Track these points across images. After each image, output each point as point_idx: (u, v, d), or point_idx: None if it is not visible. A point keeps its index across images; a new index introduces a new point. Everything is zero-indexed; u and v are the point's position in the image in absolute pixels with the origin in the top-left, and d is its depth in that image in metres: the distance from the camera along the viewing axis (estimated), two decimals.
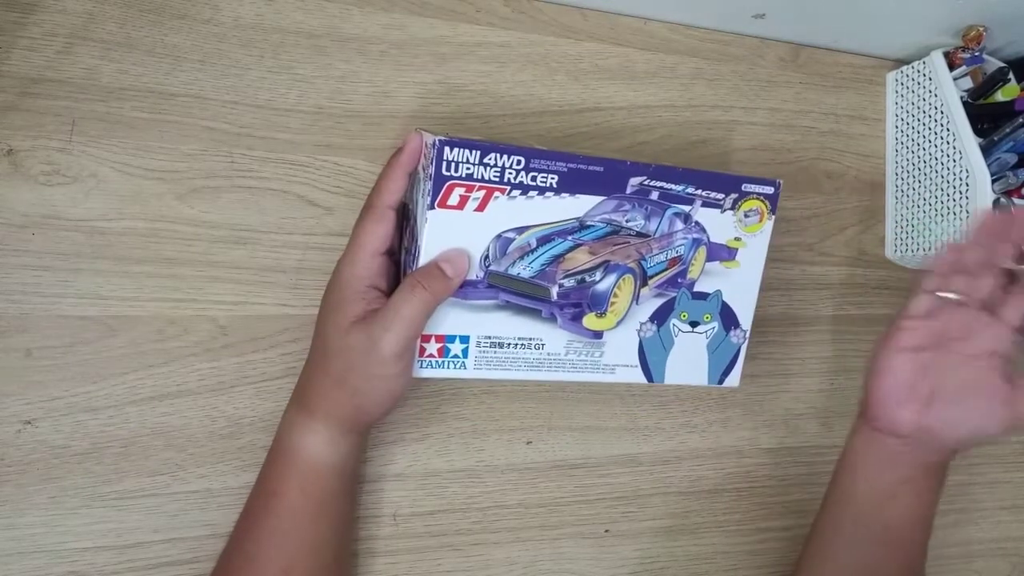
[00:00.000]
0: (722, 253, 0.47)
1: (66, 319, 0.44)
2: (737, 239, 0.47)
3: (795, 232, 0.61)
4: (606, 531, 0.54)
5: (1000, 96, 0.58)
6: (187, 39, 0.46)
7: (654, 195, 0.45)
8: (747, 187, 0.46)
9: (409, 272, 0.41)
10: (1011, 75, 0.57)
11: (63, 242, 0.44)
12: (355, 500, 0.47)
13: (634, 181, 0.44)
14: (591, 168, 0.42)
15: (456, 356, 0.43)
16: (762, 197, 0.47)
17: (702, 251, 0.47)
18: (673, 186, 0.45)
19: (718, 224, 0.46)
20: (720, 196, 0.46)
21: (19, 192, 0.43)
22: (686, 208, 0.45)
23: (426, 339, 0.42)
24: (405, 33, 0.51)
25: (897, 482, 0.48)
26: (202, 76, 0.47)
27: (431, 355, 0.43)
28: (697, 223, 0.46)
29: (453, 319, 0.43)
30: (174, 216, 0.46)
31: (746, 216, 0.47)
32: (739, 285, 0.48)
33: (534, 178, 0.41)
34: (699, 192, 0.45)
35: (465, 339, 0.43)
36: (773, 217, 0.47)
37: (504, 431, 0.52)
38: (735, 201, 0.46)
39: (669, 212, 0.45)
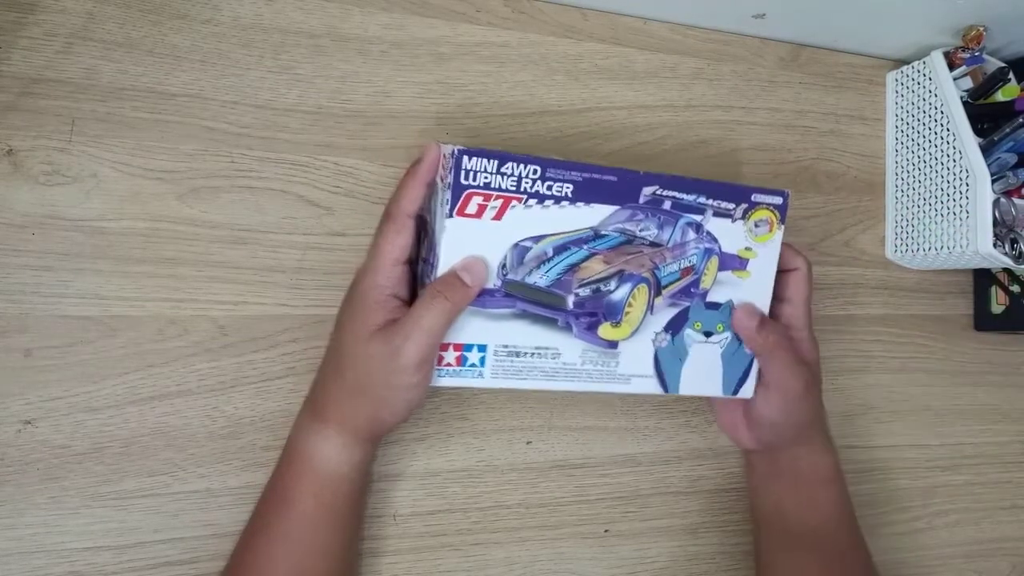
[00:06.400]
0: (734, 263, 0.47)
1: (66, 319, 0.44)
2: (748, 249, 0.47)
3: (795, 232, 0.61)
4: (606, 531, 0.54)
5: (1000, 96, 0.58)
6: (187, 39, 0.46)
7: (667, 205, 0.45)
8: (756, 197, 0.46)
9: (427, 282, 0.41)
10: (1011, 75, 0.57)
11: (63, 242, 0.44)
12: (365, 506, 0.48)
13: (647, 191, 0.44)
14: (605, 178, 0.43)
15: (474, 365, 0.43)
16: (771, 207, 0.47)
17: (714, 261, 0.46)
18: (685, 196, 0.45)
19: (729, 234, 0.46)
20: (731, 206, 0.46)
21: (19, 192, 0.43)
22: (698, 218, 0.46)
23: (444, 347, 0.42)
24: (405, 33, 0.51)
25: (783, 496, 0.51)
26: (202, 76, 0.47)
27: (449, 364, 0.42)
28: (709, 233, 0.46)
29: (471, 328, 0.42)
30: (174, 216, 0.46)
31: (756, 226, 0.47)
32: (750, 295, 0.48)
33: (550, 187, 0.42)
34: (710, 202, 0.45)
35: (483, 348, 0.43)
36: (783, 227, 0.47)
37: (504, 431, 0.52)
38: (745, 211, 0.46)
39: (681, 222, 0.45)
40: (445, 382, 0.43)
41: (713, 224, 0.46)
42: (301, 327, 0.48)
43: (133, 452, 0.44)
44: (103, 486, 0.44)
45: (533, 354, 0.44)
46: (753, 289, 0.48)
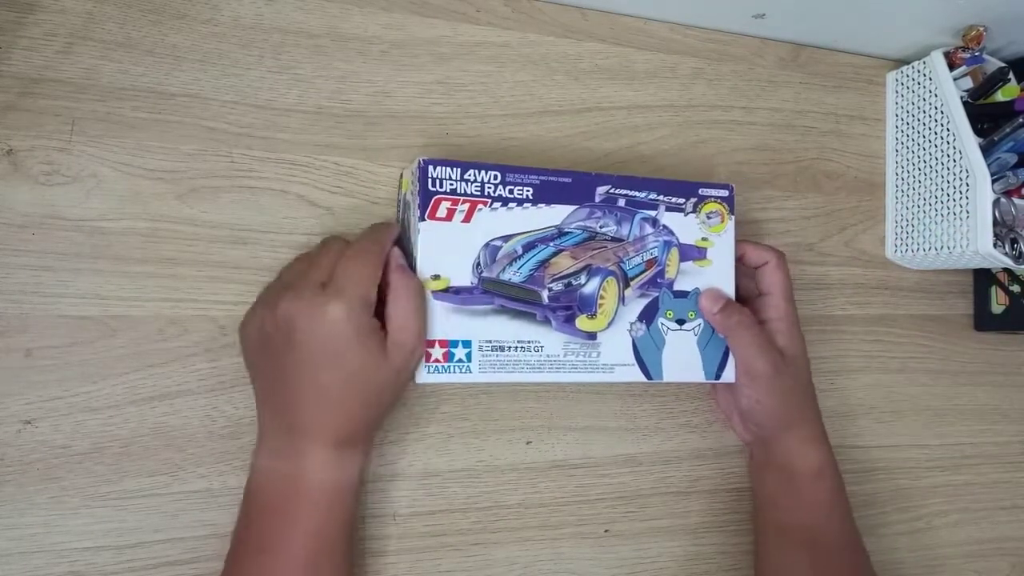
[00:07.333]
0: (693, 253, 0.50)
1: (66, 319, 0.44)
2: (705, 239, 0.50)
3: (795, 232, 0.61)
4: (606, 531, 0.54)
5: (1000, 96, 0.58)
6: (187, 39, 0.46)
7: (621, 202, 0.48)
8: (704, 191, 0.50)
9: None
10: (1011, 75, 0.57)
11: (63, 242, 0.44)
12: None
13: (601, 190, 0.48)
14: (561, 180, 0.47)
15: (461, 360, 0.44)
16: (719, 200, 0.50)
17: (675, 252, 0.49)
18: (637, 193, 0.48)
19: (684, 226, 0.49)
20: (681, 200, 0.49)
21: (19, 192, 0.43)
22: (652, 213, 0.49)
23: (430, 344, 0.44)
24: (405, 33, 0.51)
25: (776, 487, 0.52)
26: (202, 76, 0.47)
27: (436, 360, 0.44)
28: (665, 226, 0.49)
29: (454, 324, 0.44)
30: (174, 216, 0.46)
31: (708, 217, 0.50)
32: (715, 282, 0.50)
33: (511, 191, 0.46)
34: (661, 197, 0.49)
35: (467, 343, 0.44)
36: (733, 218, 0.50)
37: (504, 431, 0.52)
38: (695, 204, 0.50)
39: (638, 217, 0.48)
40: (435, 378, 0.44)
41: (667, 218, 0.49)
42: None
43: (133, 452, 0.44)
44: (103, 486, 0.44)
45: (516, 348, 0.45)
46: (716, 276, 0.50)
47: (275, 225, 0.48)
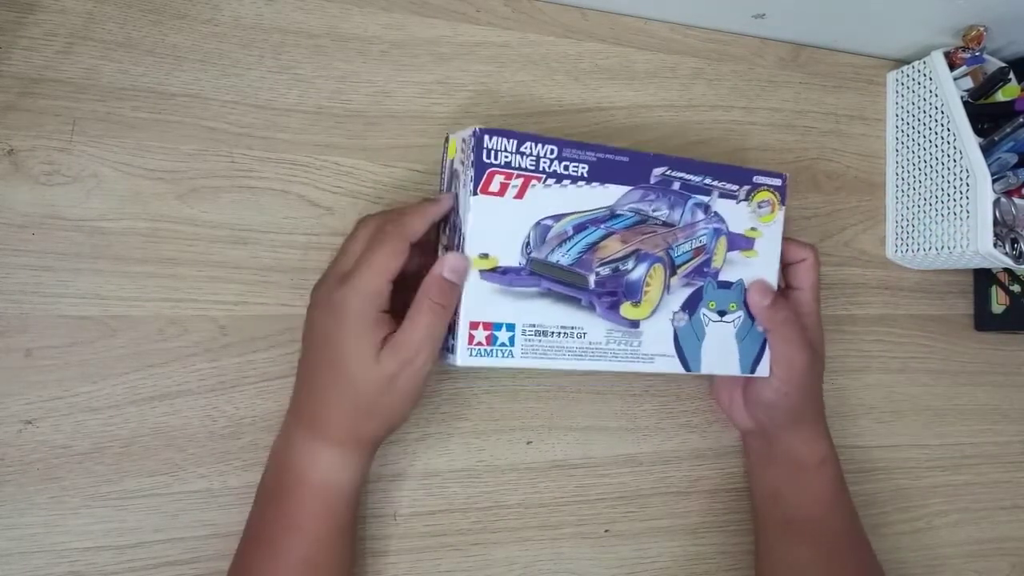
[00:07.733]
0: (741, 243, 0.49)
1: (66, 319, 0.44)
2: (753, 229, 0.49)
3: (795, 232, 0.61)
4: (606, 531, 0.54)
5: (1000, 96, 0.58)
6: (187, 39, 0.47)
7: (676, 185, 0.47)
8: (758, 179, 0.49)
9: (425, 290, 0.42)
10: (1011, 75, 0.57)
11: (63, 242, 0.44)
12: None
13: (657, 172, 0.46)
14: (618, 158, 0.45)
15: (504, 344, 0.43)
16: (772, 189, 0.49)
17: (723, 241, 0.48)
18: (693, 177, 0.47)
19: (735, 214, 0.48)
20: (735, 187, 0.48)
21: (19, 192, 0.43)
22: (705, 199, 0.48)
23: (474, 326, 0.42)
24: (405, 33, 0.51)
25: (780, 480, 0.52)
26: (202, 76, 0.47)
27: (479, 343, 0.42)
28: (716, 213, 0.48)
29: (498, 306, 0.43)
30: (174, 216, 0.46)
31: (760, 207, 0.49)
32: (759, 273, 0.49)
33: (566, 167, 0.44)
34: (716, 183, 0.48)
35: (511, 327, 0.43)
36: (783, 208, 0.49)
37: (504, 431, 0.52)
38: (748, 192, 0.48)
39: (691, 202, 0.47)
40: (476, 361, 0.42)
41: (719, 205, 0.48)
42: (301, 327, 0.47)
43: (133, 452, 0.44)
44: (103, 486, 0.44)
45: (559, 333, 0.44)
46: (761, 268, 0.49)
47: (275, 225, 0.48)
